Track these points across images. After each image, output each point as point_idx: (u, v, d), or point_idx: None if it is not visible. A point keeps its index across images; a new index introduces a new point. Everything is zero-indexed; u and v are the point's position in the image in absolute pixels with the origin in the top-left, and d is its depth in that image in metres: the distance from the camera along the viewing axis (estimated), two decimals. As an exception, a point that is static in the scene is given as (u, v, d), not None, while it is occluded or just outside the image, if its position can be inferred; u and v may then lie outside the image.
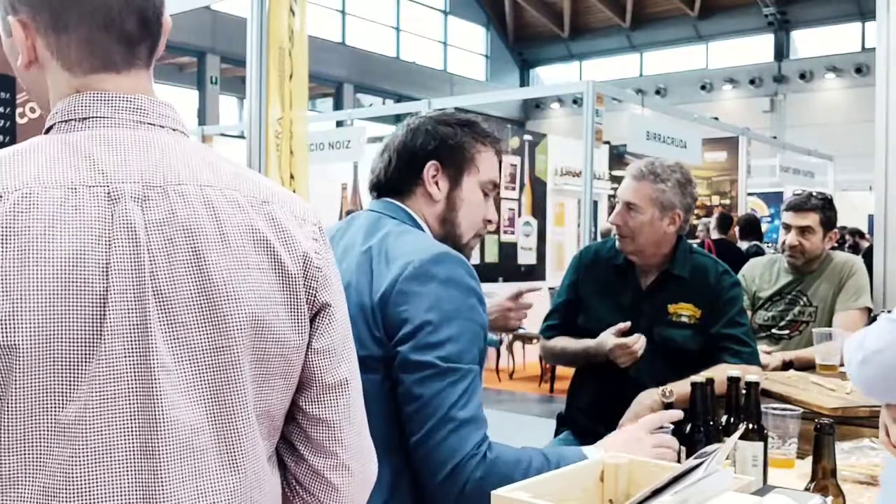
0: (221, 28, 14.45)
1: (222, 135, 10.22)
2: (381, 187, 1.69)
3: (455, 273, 1.48)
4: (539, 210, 9.13)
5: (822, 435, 1.46)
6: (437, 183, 1.64)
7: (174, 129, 1.00)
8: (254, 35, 3.20)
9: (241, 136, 8.83)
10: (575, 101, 20.01)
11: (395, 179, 1.67)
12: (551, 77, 23.46)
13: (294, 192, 3.23)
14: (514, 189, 8.77)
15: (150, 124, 0.98)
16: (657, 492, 1.14)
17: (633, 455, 1.39)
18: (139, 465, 0.88)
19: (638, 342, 2.28)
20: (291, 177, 3.27)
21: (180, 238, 0.92)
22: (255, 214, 0.98)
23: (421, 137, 1.65)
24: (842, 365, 2.63)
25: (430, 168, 1.64)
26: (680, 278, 2.41)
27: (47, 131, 0.97)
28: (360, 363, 1.44)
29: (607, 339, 2.32)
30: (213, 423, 0.93)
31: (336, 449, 1.04)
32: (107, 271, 0.87)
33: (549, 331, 2.56)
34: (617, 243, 2.44)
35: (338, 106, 18.42)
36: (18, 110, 2.85)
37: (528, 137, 9.29)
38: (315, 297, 1.01)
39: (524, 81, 23.35)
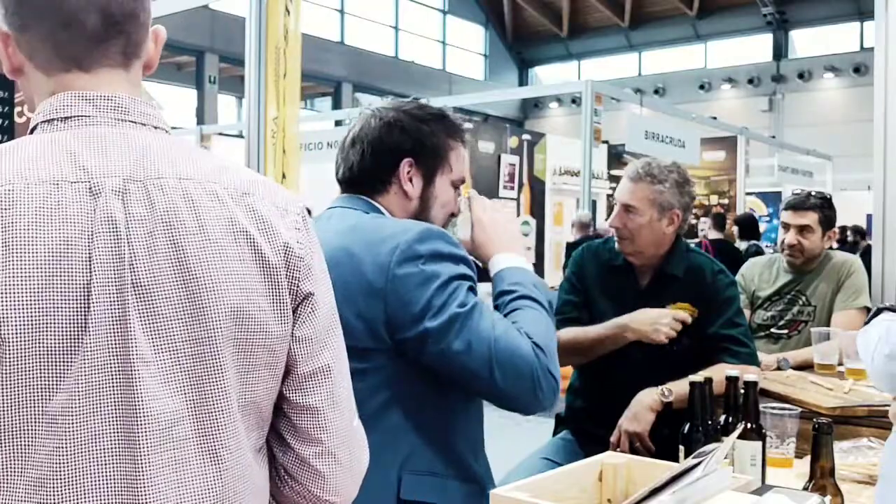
0: (220, 27, 14.45)
1: (221, 134, 10.23)
2: (353, 180, 1.68)
3: (438, 246, 1.49)
4: (538, 209, 9.13)
5: (821, 434, 1.47)
6: (411, 179, 1.64)
7: (156, 127, 1.01)
8: (252, 34, 3.21)
9: (240, 136, 8.84)
10: (574, 101, 20.01)
11: (369, 174, 1.66)
12: (550, 76, 23.46)
13: None
14: (512, 189, 8.76)
15: (132, 122, 0.99)
16: (655, 491, 1.14)
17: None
18: (120, 455, 0.90)
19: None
20: (283, 176, 3.28)
21: (160, 231, 0.93)
22: (234, 206, 0.98)
23: (396, 133, 1.64)
24: (840, 364, 2.63)
25: (405, 165, 1.63)
26: (675, 277, 2.40)
27: (31, 131, 0.99)
28: (363, 356, 1.46)
29: (652, 311, 2.27)
30: (193, 413, 0.94)
31: (320, 436, 1.05)
32: (89, 265, 0.89)
33: (565, 323, 2.44)
34: (616, 245, 2.44)
35: (336, 105, 18.43)
36: (17, 109, 2.85)
37: (526, 137, 9.29)
38: (298, 287, 1.02)
39: (523, 81, 23.36)
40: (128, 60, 1.02)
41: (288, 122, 3.28)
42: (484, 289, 1.56)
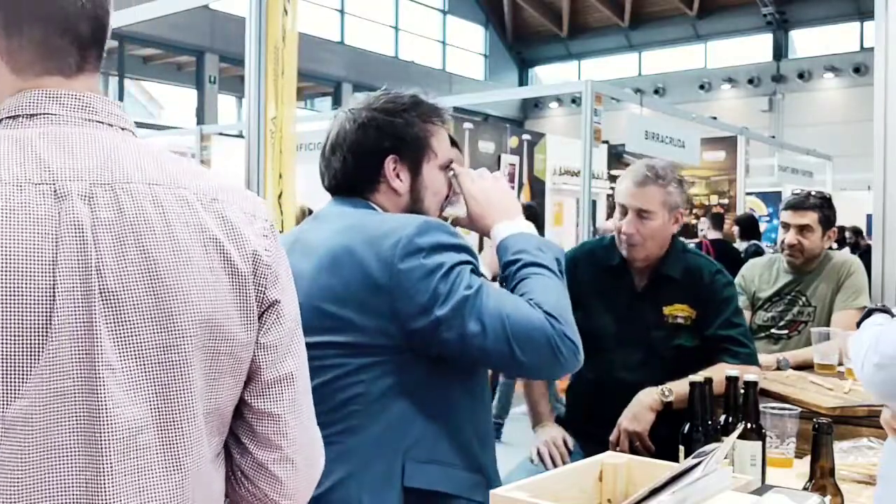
0: (220, 27, 14.43)
1: (221, 134, 10.22)
2: (341, 187, 1.67)
3: (438, 238, 1.50)
4: (537, 210, 9.12)
5: (821, 434, 1.47)
6: (398, 175, 1.63)
7: (123, 129, 1.00)
8: (252, 34, 3.20)
9: (240, 136, 8.83)
10: (574, 101, 19.99)
11: (354, 179, 1.65)
12: (550, 76, 23.45)
13: (282, 191, 3.26)
14: (512, 188, 8.76)
15: (99, 122, 0.97)
16: (655, 491, 1.14)
17: None
18: (82, 462, 0.89)
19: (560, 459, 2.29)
20: (280, 176, 3.28)
21: (129, 236, 0.92)
22: (204, 213, 0.98)
23: (373, 134, 1.62)
24: (840, 364, 2.63)
25: (389, 162, 1.62)
26: (672, 279, 2.40)
27: None
28: (367, 352, 1.47)
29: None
30: (158, 421, 0.93)
31: (280, 442, 1.05)
32: (54, 269, 0.87)
33: None
34: (624, 252, 2.40)
35: (336, 105, 18.42)
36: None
37: (526, 137, 9.29)
38: (264, 294, 1.02)
39: (523, 81, 23.33)
40: (100, 64, 1.02)
41: (285, 122, 3.28)
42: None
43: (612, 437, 2.21)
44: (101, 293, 0.89)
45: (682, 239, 2.57)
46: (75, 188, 0.90)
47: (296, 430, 1.06)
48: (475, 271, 1.52)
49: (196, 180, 1.00)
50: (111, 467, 0.90)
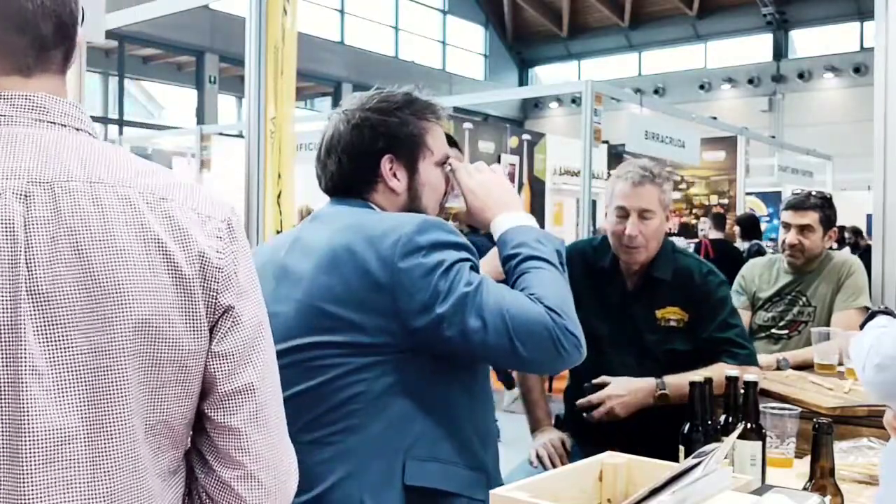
0: (220, 27, 14.43)
1: (221, 134, 10.23)
2: (337, 188, 1.67)
3: (437, 236, 1.50)
4: (538, 209, 9.13)
5: (821, 434, 1.47)
6: (395, 174, 1.63)
7: (78, 129, 0.97)
8: (252, 34, 3.21)
9: (240, 136, 8.84)
10: (574, 101, 19.98)
11: (351, 180, 1.65)
12: (550, 76, 23.45)
13: (281, 191, 3.26)
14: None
15: (51, 122, 0.95)
16: (655, 491, 1.14)
17: None
18: (3, 472, 0.86)
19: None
20: (279, 175, 3.28)
21: (63, 236, 0.88)
22: (148, 212, 0.94)
23: (367, 134, 1.62)
24: (840, 364, 2.63)
25: (385, 162, 1.62)
26: (663, 281, 2.38)
27: None
28: (369, 351, 1.47)
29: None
30: (88, 431, 0.89)
31: (242, 458, 0.99)
32: None
33: None
34: (624, 255, 2.39)
35: (336, 105, 18.37)
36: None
37: (526, 137, 9.29)
38: (216, 299, 0.96)
39: (523, 81, 23.33)
40: (66, 65, 1.00)
41: (284, 121, 3.29)
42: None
43: (599, 412, 2.22)
44: (29, 293, 0.86)
45: (671, 239, 2.56)
46: (10, 186, 0.88)
47: (259, 446, 1.00)
48: (475, 268, 1.52)
49: (147, 179, 0.96)
50: (32, 479, 0.86)
